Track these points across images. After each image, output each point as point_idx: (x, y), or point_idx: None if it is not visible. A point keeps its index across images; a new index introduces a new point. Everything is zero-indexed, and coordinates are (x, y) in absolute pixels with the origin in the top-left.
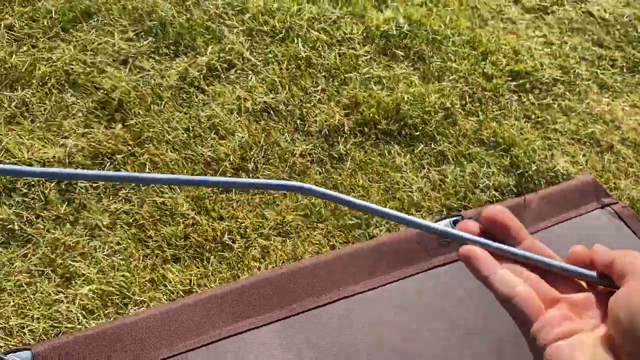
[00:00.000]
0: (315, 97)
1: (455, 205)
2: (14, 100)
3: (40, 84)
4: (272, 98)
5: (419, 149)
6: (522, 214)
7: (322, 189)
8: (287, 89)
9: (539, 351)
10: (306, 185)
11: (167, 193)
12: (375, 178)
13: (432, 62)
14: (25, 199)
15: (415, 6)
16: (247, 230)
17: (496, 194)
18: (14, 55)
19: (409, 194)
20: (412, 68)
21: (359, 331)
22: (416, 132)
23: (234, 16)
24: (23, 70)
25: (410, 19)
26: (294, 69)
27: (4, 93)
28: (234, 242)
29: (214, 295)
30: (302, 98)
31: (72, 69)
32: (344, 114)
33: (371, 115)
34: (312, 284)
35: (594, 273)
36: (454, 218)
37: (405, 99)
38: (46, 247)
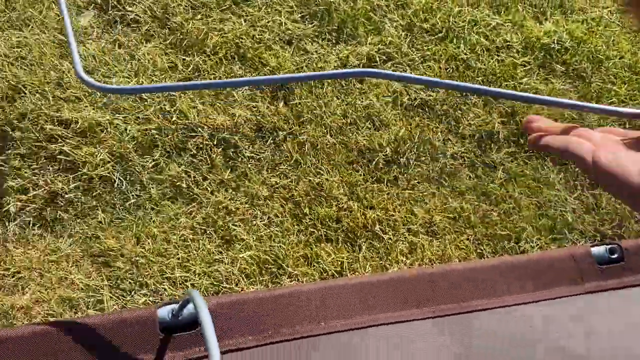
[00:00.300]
0: (471, 100)
1: (609, 233)
2: (189, 65)
3: (212, 53)
4: (429, 95)
5: (574, 168)
6: None
7: (387, 71)
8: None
9: (596, 174)
10: (370, 70)
11: (323, 174)
12: (527, 192)
13: (592, 81)
14: (194, 160)
15: (576, 22)
16: (397, 223)
17: None
18: (190, 22)
19: (563, 213)
20: (570, 85)
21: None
22: None
23: (395, 10)
24: (197, 38)
25: (571, 35)
26: (451, 70)
27: (179, 56)
28: (384, 233)
29: (368, 282)
30: (458, 99)
31: (242, 42)
32: (500, 122)
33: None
34: (463, 288)
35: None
36: (611, 245)
37: (566, 114)
38: (210, 208)
